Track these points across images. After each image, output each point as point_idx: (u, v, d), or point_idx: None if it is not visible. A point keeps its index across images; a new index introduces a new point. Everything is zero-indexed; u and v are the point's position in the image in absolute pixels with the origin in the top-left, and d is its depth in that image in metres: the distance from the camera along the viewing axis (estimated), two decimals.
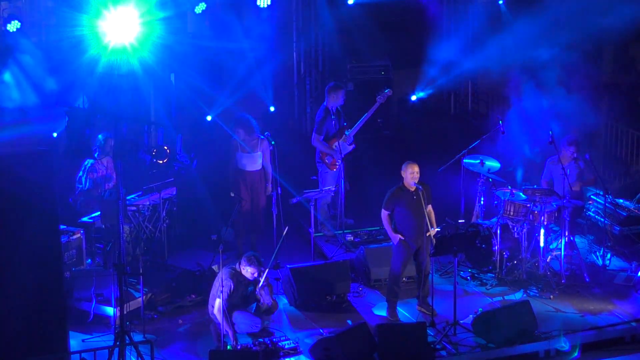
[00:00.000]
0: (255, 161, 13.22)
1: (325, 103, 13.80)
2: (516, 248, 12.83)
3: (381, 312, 11.99)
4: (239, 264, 11.16)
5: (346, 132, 13.76)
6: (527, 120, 14.67)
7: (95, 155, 12.69)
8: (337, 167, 13.73)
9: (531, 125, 14.60)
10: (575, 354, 11.22)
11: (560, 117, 15.13)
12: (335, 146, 13.67)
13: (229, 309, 10.93)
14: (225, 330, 10.77)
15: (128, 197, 12.19)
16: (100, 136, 12.62)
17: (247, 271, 11.08)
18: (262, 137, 13.22)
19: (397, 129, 16.63)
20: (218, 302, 10.93)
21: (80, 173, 12.61)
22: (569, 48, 14.94)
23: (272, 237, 13.00)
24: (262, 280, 11.15)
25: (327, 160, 13.78)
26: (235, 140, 13.22)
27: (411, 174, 11.58)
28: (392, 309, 11.84)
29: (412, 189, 11.59)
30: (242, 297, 11.14)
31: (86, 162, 12.59)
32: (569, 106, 15.24)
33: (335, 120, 13.68)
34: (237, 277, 11.08)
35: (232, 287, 10.99)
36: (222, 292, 10.81)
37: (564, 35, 14.95)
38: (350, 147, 13.84)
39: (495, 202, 13.15)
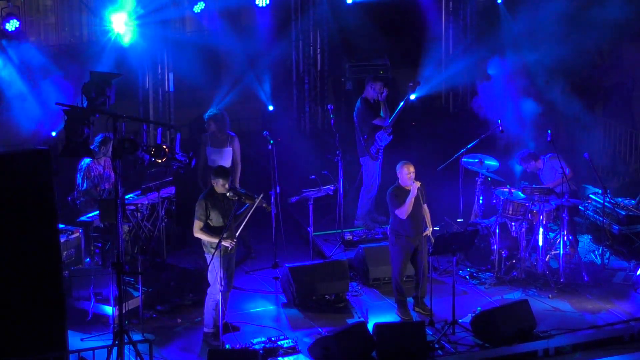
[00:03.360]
0: (225, 157, 13.33)
1: (363, 94, 14.05)
2: (515, 247, 12.84)
3: (380, 311, 12.02)
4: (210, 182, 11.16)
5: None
6: (525, 118, 14.72)
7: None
8: (377, 158, 13.96)
9: (529, 124, 14.66)
10: (576, 355, 11.23)
11: (558, 117, 15.17)
12: (377, 136, 13.78)
13: (216, 226, 10.95)
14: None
15: (127, 196, 12.19)
16: (99, 137, 12.62)
17: (218, 184, 11.03)
18: (232, 134, 13.35)
19: (396, 128, 16.62)
20: (195, 224, 10.99)
21: (78, 174, 12.61)
22: (566, 47, 14.95)
23: (271, 236, 13.01)
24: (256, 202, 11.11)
25: (371, 152, 13.88)
26: (205, 136, 13.37)
27: (407, 174, 11.58)
28: (403, 308, 11.87)
29: (409, 189, 11.59)
30: (223, 214, 11.02)
31: (82, 163, 12.59)
32: (566, 105, 15.26)
33: (375, 110, 13.83)
34: (210, 197, 11.04)
35: (205, 206, 10.98)
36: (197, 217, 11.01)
37: (561, 34, 14.96)
38: (389, 138, 13.96)
39: (494, 201, 13.16)
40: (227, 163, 13.36)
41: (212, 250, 10.93)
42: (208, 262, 11.04)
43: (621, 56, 16.50)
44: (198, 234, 11.02)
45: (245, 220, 11.02)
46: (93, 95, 10.04)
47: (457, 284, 11.95)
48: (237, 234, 11.02)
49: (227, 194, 10.99)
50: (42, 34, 13.89)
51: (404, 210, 11.54)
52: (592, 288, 12.52)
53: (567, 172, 12.70)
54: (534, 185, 12.94)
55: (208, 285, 11.15)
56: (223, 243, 10.83)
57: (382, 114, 13.89)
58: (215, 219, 10.98)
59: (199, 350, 11.10)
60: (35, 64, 13.25)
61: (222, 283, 10.88)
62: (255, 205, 11.04)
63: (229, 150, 13.41)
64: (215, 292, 11.02)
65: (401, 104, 13.94)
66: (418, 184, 11.51)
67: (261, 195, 11.05)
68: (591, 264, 13.18)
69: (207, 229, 10.98)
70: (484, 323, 11.24)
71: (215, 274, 10.98)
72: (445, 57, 17.02)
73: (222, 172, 11.15)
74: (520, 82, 15.16)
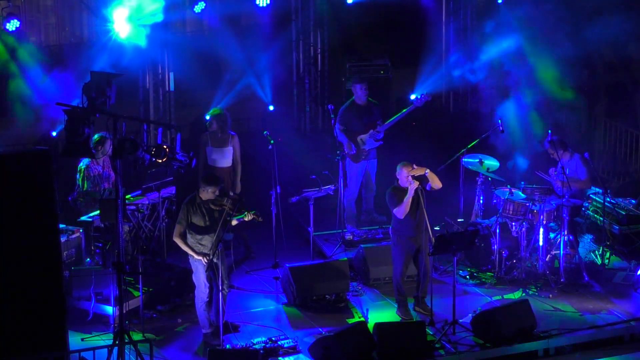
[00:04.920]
0: (226, 157, 13.35)
1: (353, 97, 14.04)
2: (515, 247, 12.84)
3: (380, 311, 12.03)
4: (198, 188, 11.14)
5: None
6: (525, 119, 14.73)
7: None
8: (360, 161, 13.85)
9: (529, 125, 14.67)
10: (577, 355, 11.24)
11: (558, 117, 15.17)
12: (361, 139, 13.74)
13: (197, 231, 11.00)
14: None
15: (127, 196, 12.18)
16: (95, 136, 12.62)
17: (208, 191, 11.05)
18: (233, 133, 13.36)
19: (396, 127, 16.63)
20: (176, 228, 11.09)
21: (77, 175, 12.61)
22: (567, 47, 14.95)
23: (271, 236, 13.00)
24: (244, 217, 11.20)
25: (350, 152, 13.81)
26: (206, 135, 13.38)
27: (407, 176, 11.57)
28: (403, 308, 11.86)
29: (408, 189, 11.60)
30: (204, 220, 11.05)
31: (81, 164, 12.60)
32: (567, 105, 15.26)
33: (358, 114, 13.76)
34: (193, 203, 11.07)
35: (187, 211, 11.03)
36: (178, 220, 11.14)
37: (562, 34, 14.96)
38: (377, 143, 13.87)
39: (495, 201, 13.16)
40: (227, 163, 13.38)
41: (195, 255, 11.01)
42: (192, 267, 11.13)
43: (622, 56, 16.48)
44: (176, 238, 11.12)
45: (218, 229, 10.94)
46: (93, 95, 10.04)
47: (458, 284, 11.95)
48: (213, 245, 10.96)
49: (211, 205, 11.00)
50: (43, 34, 13.90)
51: (402, 210, 11.55)
52: (592, 288, 12.51)
53: (566, 172, 12.73)
54: (534, 186, 12.95)
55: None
56: (196, 257, 10.96)
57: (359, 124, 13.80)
58: (197, 224, 11.06)
59: (199, 350, 11.10)
60: (35, 64, 13.26)
61: (216, 285, 10.90)
62: (226, 211, 11.04)
63: (229, 150, 13.42)
64: (200, 293, 11.13)
65: (404, 111, 13.88)
66: (417, 184, 11.51)
67: (229, 200, 11.01)
68: (591, 264, 13.16)
69: (193, 232, 11.02)
70: (484, 323, 11.24)
71: (198, 276, 11.06)
72: (445, 57, 17.01)
73: (213, 179, 11.17)
74: (521, 81, 15.17)
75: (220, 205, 11.03)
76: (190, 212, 11.05)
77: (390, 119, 13.93)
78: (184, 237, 11.07)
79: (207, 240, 10.96)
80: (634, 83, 16.70)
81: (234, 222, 11.28)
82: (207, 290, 11.02)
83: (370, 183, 14.12)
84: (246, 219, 11.22)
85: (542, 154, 14.08)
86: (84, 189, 12.45)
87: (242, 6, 15.25)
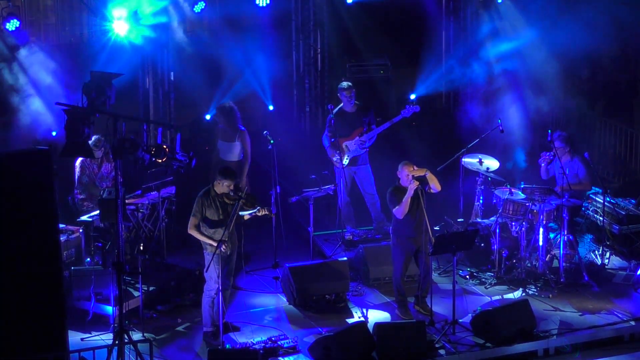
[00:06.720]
0: (232, 151, 13.42)
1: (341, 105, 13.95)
2: (515, 247, 12.85)
3: (380, 311, 12.03)
4: (214, 180, 11.14)
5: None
6: (525, 118, 14.73)
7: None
8: (340, 166, 13.67)
9: (529, 124, 14.68)
10: (577, 355, 11.24)
11: (557, 116, 15.17)
12: (345, 145, 13.67)
13: (210, 225, 11.02)
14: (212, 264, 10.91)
15: (127, 196, 12.18)
16: (94, 137, 12.63)
17: (223, 184, 11.04)
18: (242, 128, 13.37)
19: (396, 128, 16.64)
20: (190, 220, 11.06)
21: (74, 171, 12.64)
22: (567, 46, 14.95)
23: (271, 236, 13.00)
24: (253, 212, 11.21)
25: (332, 158, 13.74)
26: (218, 129, 13.43)
27: (407, 175, 11.57)
28: (403, 308, 11.87)
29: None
30: (218, 213, 11.06)
31: (76, 162, 12.63)
32: (567, 105, 15.25)
33: (346, 121, 13.68)
34: (208, 196, 11.07)
35: (202, 203, 11.04)
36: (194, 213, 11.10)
37: (562, 33, 14.96)
38: (362, 151, 13.74)
39: (494, 201, 13.16)
40: (234, 157, 13.44)
41: (209, 248, 10.97)
42: (206, 261, 11.08)
43: (622, 55, 16.48)
44: (191, 230, 11.10)
45: (232, 222, 10.97)
46: (93, 95, 10.05)
47: (457, 284, 11.95)
48: (225, 235, 10.96)
49: (225, 199, 11.01)
50: (43, 34, 13.89)
51: (401, 210, 11.56)
52: (592, 288, 12.52)
53: (566, 172, 12.74)
54: (533, 185, 12.95)
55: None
56: (214, 244, 10.89)
57: (345, 132, 13.69)
58: (211, 217, 11.04)
59: (199, 350, 11.10)
60: (35, 64, 13.25)
61: (220, 281, 10.90)
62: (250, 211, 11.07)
63: (237, 145, 13.45)
64: (210, 289, 11.08)
65: (390, 120, 13.76)
66: (416, 184, 11.52)
67: (242, 194, 11.01)
68: (591, 264, 13.17)
69: (206, 225, 11.02)
70: (484, 323, 11.25)
71: (210, 271, 11.03)
72: (445, 57, 17.00)
73: (229, 173, 11.14)
74: (520, 81, 15.17)
75: (233, 199, 11.02)
76: (204, 205, 11.05)
77: (375, 129, 13.77)
78: (199, 229, 11.06)
79: (220, 234, 10.94)
80: (633, 82, 16.69)
81: (247, 217, 11.28)
82: (217, 287, 11.00)
83: (369, 190, 13.91)
84: (259, 213, 11.21)
85: (540, 154, 14.09)
86: (84, 181, 12.48)
87: (242, 6, 15.24)
